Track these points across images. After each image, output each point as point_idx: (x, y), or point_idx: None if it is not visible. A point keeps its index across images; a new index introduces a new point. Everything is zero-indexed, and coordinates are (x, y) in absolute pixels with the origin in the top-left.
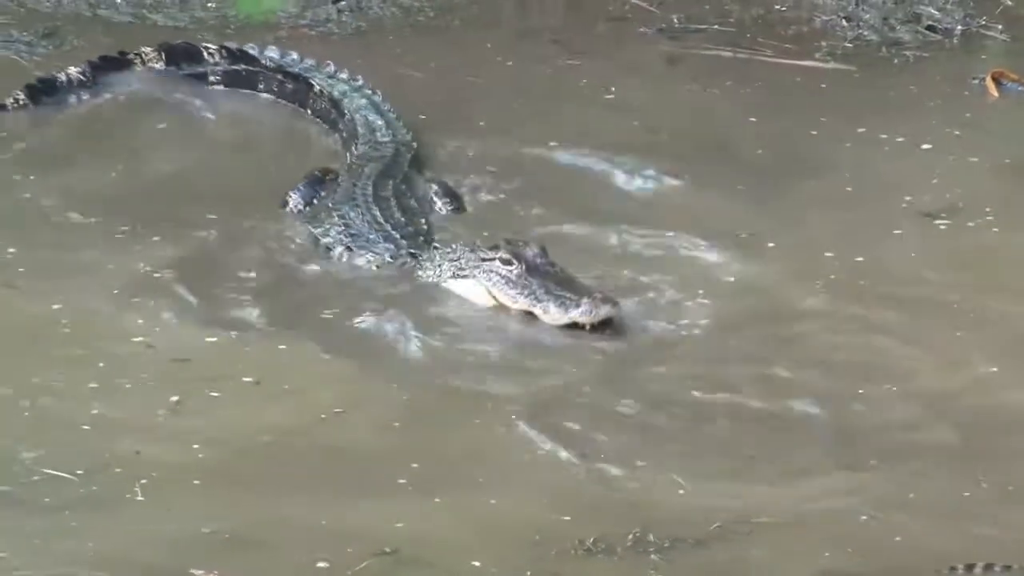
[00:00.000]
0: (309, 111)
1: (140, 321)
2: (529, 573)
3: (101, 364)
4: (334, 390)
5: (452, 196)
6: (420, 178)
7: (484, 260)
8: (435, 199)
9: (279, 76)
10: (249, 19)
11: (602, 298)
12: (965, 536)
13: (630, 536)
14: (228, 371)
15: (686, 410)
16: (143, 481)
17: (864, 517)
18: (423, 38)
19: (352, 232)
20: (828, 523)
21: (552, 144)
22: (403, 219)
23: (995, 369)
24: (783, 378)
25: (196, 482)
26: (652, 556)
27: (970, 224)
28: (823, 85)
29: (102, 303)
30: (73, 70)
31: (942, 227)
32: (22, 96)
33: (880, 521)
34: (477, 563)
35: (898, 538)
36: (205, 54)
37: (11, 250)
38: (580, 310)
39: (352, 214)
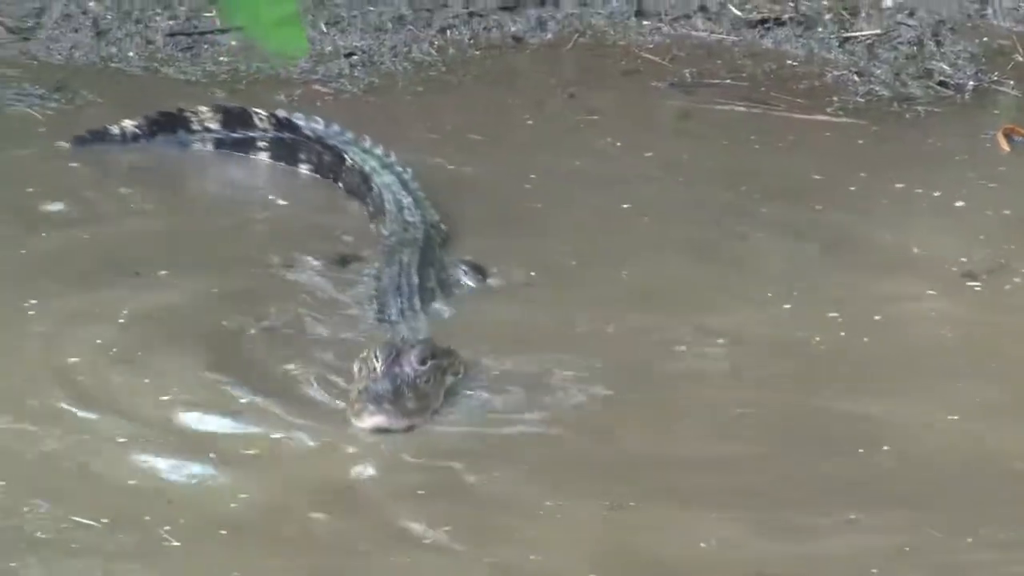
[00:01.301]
0: (341, 184)
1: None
2: None
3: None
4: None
5: (478, 271)
6: (446, 257)
7: (360, 357)
8: (462, 276)
9: (318, 147)
10: (273, 63)
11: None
12: None
13: None
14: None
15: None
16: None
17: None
18: (436, 96)
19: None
20: None
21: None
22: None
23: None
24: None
25: (223, 532)
26: None
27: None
28: (838, 138)
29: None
30: (128, 123)
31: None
32: (67, 145)
33: None
34: None
35: None
36: (256, 119)
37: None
38: (360, 419)
39: (392, 302)
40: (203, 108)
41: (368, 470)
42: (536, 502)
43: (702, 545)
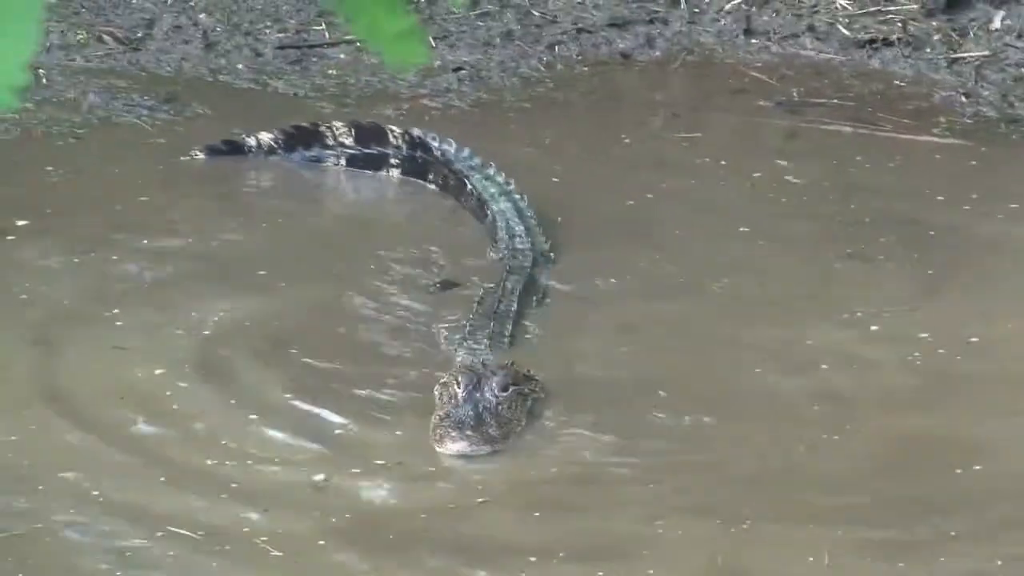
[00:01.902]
0: (464, 207)
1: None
2: None
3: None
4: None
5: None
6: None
7: (441, 383)
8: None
9: (445, 170)
10: (382, 77)
11: (460, 436)
12: None
13: None
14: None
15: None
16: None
17: None
18: (542, 112)
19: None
20: None
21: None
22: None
23: None
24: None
25: (321, 543)
26: None
27: None
28: (945, 159)
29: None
30: (265, 136)
31: None
32: (200, 155)
33: None
34: None
35: None
36: (390, 136)
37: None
38: (442, 445)
39: (482, 327)
40: (338, 123)
41: (463, 494)
42: (647, 522)
43: (810, 560)
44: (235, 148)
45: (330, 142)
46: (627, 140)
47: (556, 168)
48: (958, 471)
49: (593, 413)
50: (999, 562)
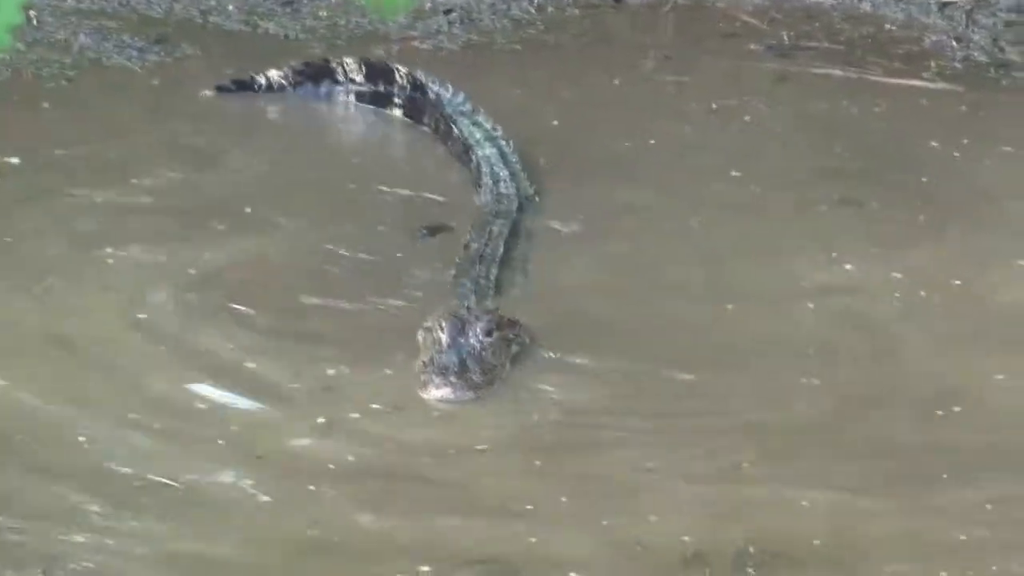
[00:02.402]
0: (449, 152)
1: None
2: None
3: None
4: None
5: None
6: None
7: (424, 327)
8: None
9: (437, 113)
10: (372, 19)
11: (443, 382)
12: None
13: (731, 550)
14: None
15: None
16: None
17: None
18: (533, 55)
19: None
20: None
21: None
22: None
23: None
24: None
25: (312, 488)
26: (750, 571)
27: None
28: (936, 104)
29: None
30: (275, 73)
31: None
32: (211, 94)
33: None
34: (574, 574)
35: None
36: (397, 75)
37: None
38: (426, 391)
39: (469, 272)
40: (349, 59)
41: (461, 440)
42: (644, 469)
43: (804, 504)
44: (244, 85)
45: (340, 78)
46: (617, 82)
47: (547, 110)
48: (939, 412)
49: (582, 359)
50: (988, 506)
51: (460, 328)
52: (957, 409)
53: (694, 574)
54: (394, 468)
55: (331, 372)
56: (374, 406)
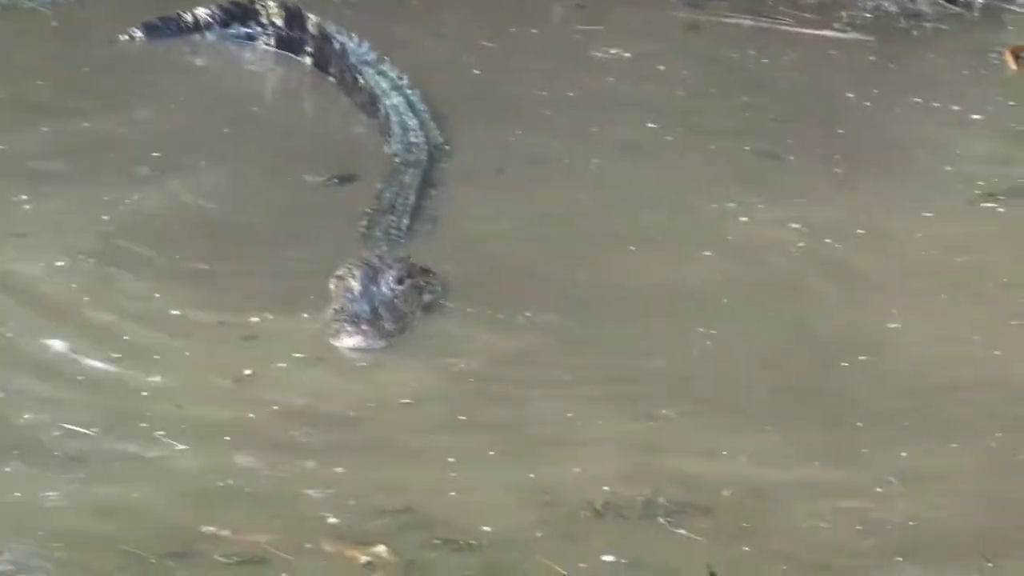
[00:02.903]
0: (357, 104)
1: None
2: (538, 534)
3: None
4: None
5: None
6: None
7: (336, 276)
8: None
9: (342, 63)
10: None
11: (355, 330)
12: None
13: (640, 499)
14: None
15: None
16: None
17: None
18: (450, 4)
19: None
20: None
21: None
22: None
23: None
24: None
25: (227, 438)
26: (661, 520)
27: None
28: (845, 55)
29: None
30: (202, 11)
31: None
32: (139, 33)
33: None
34: (488, 527)
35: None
36: (308, 24)
37: None
38: (338, 339)
39: (381, 221)
40: (271, 2)
41: (383, 379)
42: (565, 420)
43: (724, 454)
44: (170, 23)
45: (264, 20)
46: (534, 31)
47: (464, 59)
48: (844, 364)
49: (498, 309)
50: (903, 453)
51: (372, 276)
52: (863, 358)
53: (605, 524)
54: (314, 419)
55: (255, 320)
56: (297, 355)
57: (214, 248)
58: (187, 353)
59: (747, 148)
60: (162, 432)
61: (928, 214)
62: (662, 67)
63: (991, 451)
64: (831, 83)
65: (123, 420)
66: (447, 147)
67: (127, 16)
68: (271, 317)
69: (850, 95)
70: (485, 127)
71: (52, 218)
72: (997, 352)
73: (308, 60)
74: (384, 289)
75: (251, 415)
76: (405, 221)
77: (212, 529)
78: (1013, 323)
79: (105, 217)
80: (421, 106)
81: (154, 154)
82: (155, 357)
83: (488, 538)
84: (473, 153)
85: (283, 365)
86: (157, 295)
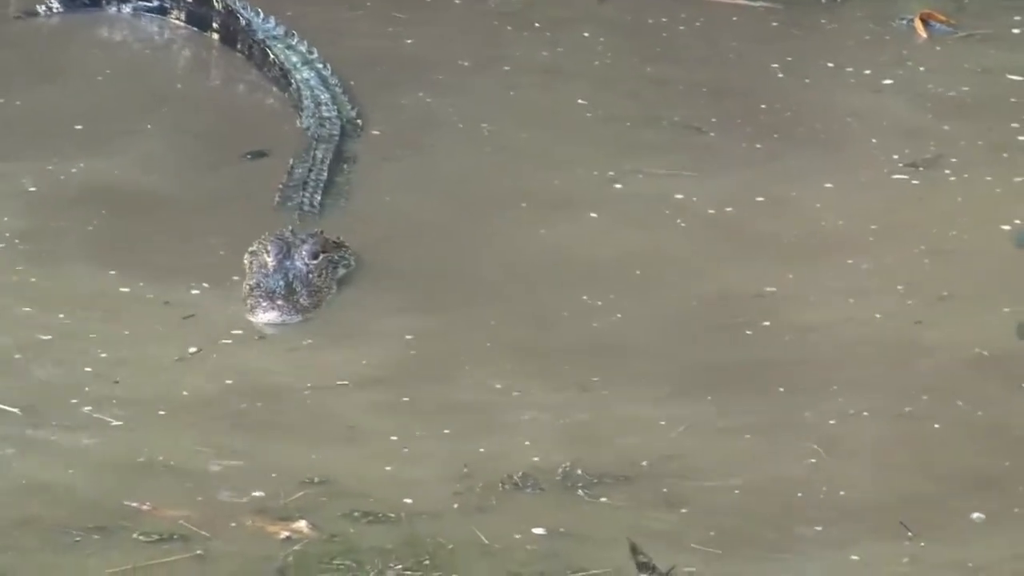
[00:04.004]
0: (268, 79)
1: None
2: (456, 507)
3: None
4: None
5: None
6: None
7: (250, 251)
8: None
9: (250, 40)
10: None
11: (271, 305)
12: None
13: (559, 470)
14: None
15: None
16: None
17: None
18: None
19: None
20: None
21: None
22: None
23: None
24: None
25: (161, 413)
26: (579, 492)
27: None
28: (751, 22)
29: None
30: None
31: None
32: (56, 4)
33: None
34: (408, 500)
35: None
36: (215, 0)
37: None
38: (253, 314)
39: (293, 196)
40: None
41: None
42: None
43: (662, 424)
44: None
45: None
46: (449, 4)
47: (374, 32)
48: (748, 332)
49: (409, 282)
50: (832, 421)
51: (286, 251)
52: (766, 324)
53: (522, 495)
54: (248, 398)
55: (194, 293)
56: (235, 332)
57: (137, 224)
58: (126, 332)
59: (659, 115)
60: (88, 408)
61: (840, 183)
62: (573, 35)
63: (907, 419)
64: (744, 51)
65: (62, 394)
66: (359, 121)
67: None
68: (207, 291)
69: (763, 63)
70: (395, 98)
71: None
72: (885, 316)
73: (215, 36)
74: (298, 264)
75: (184, 393)
76: (318, 197)
77: (134, 504)
78: (899, 288)
79: (32, 188)
80: (333, 80)
81: (75, 127)
82: (91, 336)
83: (408, 510)
84: (384, 126)
85: (226, 342)
86: (84, 271)
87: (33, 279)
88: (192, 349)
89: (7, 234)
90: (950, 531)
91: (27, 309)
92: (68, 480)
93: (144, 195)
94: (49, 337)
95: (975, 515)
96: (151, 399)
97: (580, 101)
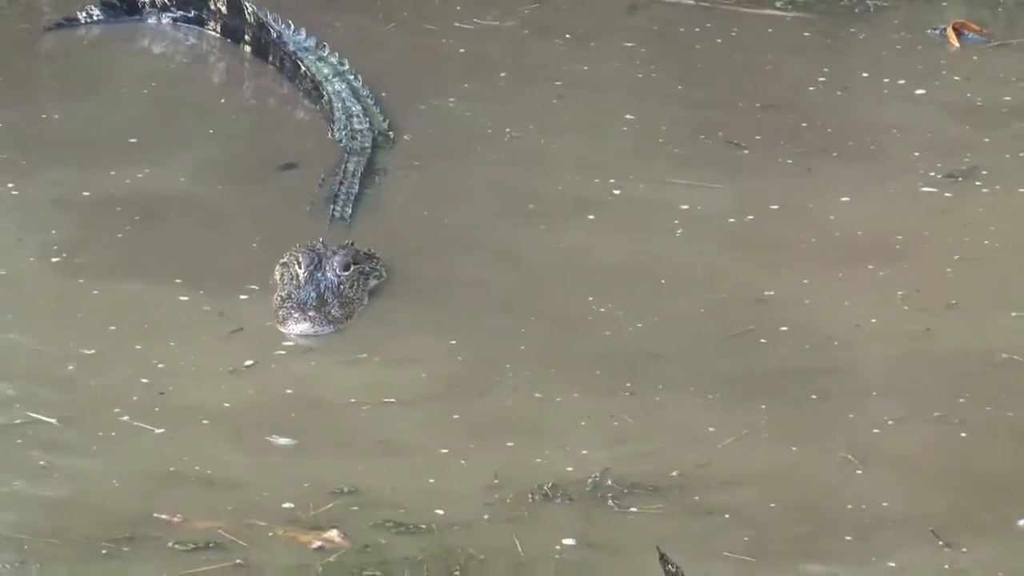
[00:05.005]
0: (300, 91)
1: None
2: (486, 517)
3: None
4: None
5: None
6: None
7: (281, 263)
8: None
9: (281, 52)
10: None
11: (302, 316)
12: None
13: (589, 481)
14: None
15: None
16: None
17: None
18: None
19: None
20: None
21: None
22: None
23: None
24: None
25: (205, 422)
26: (610, 503)
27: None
28: (785, 33)
29: None
30: None
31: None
32: (96, 12)
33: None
34: (440, 511)
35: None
36: (246, 12)
37: None
38: (285, 325)
39: (326, 209)
40: None
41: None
42: (536, 399)
43: (711, 430)
44: (130, 5)
45: (212, 7)
46: (458, 8)
47: (393, 40)
48: (763, 341)
49: (446, 294)
50: (864, 428)
51: (317, 263)
52: (783, 329)
53: (552, 504)
54: (295, 412)
55: (243, 298)
56: (287, 344)
57: (181, 235)
58: (172, 343)
59: (690, 128)
60: (126, 417)
61: (869, 194)
62: (605, 46)
63: (940, 424)
64: (779, 62)
65: (97, 409)
66: (391, 133)
67: (70, 5)
68: (258, 301)
69: (798, 74)
70: (426, 108)
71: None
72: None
73: (247, 48)
74: (330, 275)
75: (227, 404)
76: (348, 210)
77: (164, 516)
78: (921, 295)
79: (81, 197)
80: (364, 91)
81: (101, 143)
82: (136, 347)
83: (440, 521)
84: (414, 135)
85: (280, 353)
86: (132, 282)
87: (85, 290)
88: (248, 362)
89: (55, 247)
90: (994, 538)
91: (79, 317)
92: (100, 490)
93: (192, 205)
94: (97, 349)
95: (1021, 522)
96: (195, 408)
97: (614, 112)
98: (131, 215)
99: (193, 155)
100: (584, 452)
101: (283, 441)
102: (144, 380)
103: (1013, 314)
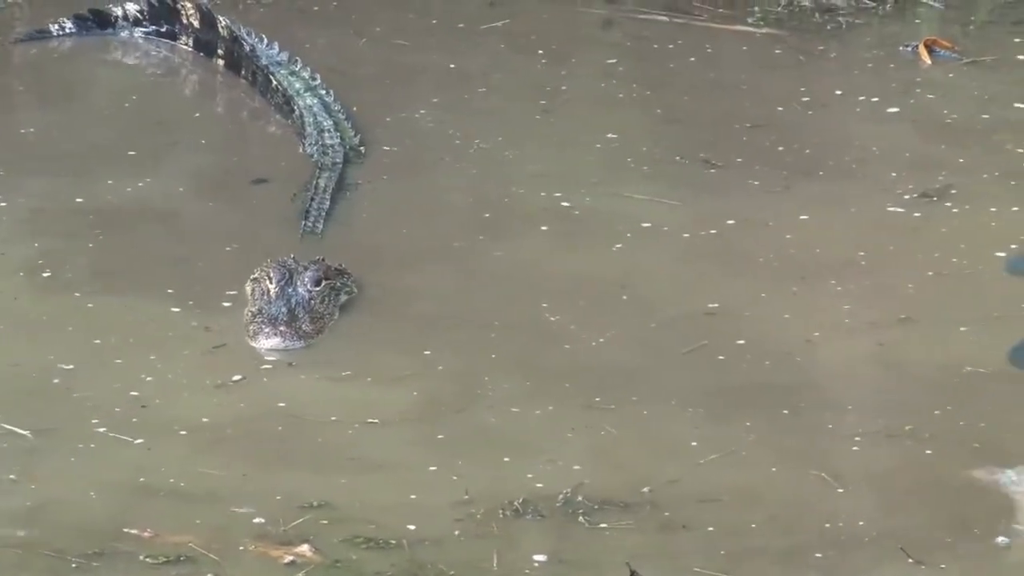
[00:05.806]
0: (271, 105)
1: None
2: (457, 533)
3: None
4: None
5: None
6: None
7: (252, 278)
8: None
9: (253, 65)
10: None
11: (273, 331)
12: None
13: (560, 496)
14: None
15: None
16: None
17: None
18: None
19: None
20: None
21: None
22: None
23: None
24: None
25: (183, 433)
26: (580, 519)
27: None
28: (760, 50)
29: None
30: (132, 6)
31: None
32: (68, 24)
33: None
34: (411, 526)
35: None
36: (219, 26)
37: None
38: (256, 340)
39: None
40: (188, 3)
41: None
42: (524, 417)
43: (645, 449)
44: (101, 16)
45: (184, 21)
46: (434, 22)
47: (367, 54)
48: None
49: (413, 307)
50: (835, 443)
51: (288, 278)
52: (741, 342)
53: (523, 520)
54: (269, 427)
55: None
56: (271, 358)
57: (157, 248)
58: (152, 356)
59: (663, 145)
60: (103, 429)
61: (838, 211)
62: (578, 60)
63: (908, 439)
64: (752, 79)
65: (75, 422)
66: (362, 148)
67: (40, 16)
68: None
69: (771, 91)
70: (397, 121)
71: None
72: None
73: (220, 62)
74: (301, 291)
75: (205, 419)
76: (320, 226)
77: (134, 531)
78: (883, 310)
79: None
80: (336, 106)
81: (68, 159)
82: (116, 361)
83: (411, 537)
84: (385, 148)
85: (266, 367)
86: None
87: (53, 307)
88: (236, 376)
89: (35, 260)
90: (969, 555)
91: (58, 330)
92: (72, 503)
93: (167, 217)
94: (77, 364)
95: (999, 539)
96: (174, 421)
97: (590, 128)
98: (104, 227)
99: (166, 169)
100: (556, 467)
101: (254, 454)
102: (127, 393)
103: (975, 329)
